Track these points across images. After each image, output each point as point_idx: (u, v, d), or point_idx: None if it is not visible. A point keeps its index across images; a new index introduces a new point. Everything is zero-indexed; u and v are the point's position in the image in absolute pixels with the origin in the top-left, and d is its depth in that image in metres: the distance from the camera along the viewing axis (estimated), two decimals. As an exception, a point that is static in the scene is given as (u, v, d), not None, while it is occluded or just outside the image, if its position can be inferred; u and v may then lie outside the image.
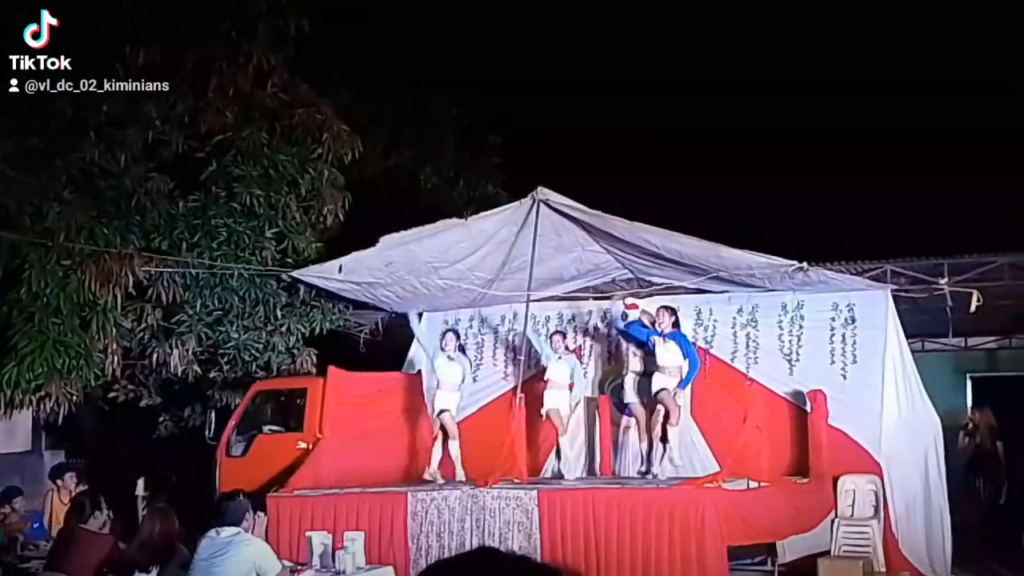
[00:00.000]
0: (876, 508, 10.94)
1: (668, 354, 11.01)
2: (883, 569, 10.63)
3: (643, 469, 11.46)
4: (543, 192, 11.32)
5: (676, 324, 11.17)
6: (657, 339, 11.07)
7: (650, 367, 11.30)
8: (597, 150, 19.71)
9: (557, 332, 12.20)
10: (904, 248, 12.47)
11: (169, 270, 12.28)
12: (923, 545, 11.19)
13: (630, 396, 11.60)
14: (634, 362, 11.62)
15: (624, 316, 11.65)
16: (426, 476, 11.63)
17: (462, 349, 12.29)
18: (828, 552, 10.68)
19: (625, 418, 12.27)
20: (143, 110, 11.93)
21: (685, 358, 11.04)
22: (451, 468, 11.82)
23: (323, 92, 13.66)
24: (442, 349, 12.02)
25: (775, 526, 10.19)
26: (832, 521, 10.90)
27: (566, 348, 12.01)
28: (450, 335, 12.16)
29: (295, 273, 12.63)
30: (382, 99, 17.03)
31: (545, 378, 11.79)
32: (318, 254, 13.00)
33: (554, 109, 19.64)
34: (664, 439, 11.10)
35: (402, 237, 11.77)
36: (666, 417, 10.97)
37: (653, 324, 11.29)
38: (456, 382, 11.88)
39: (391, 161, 17.08)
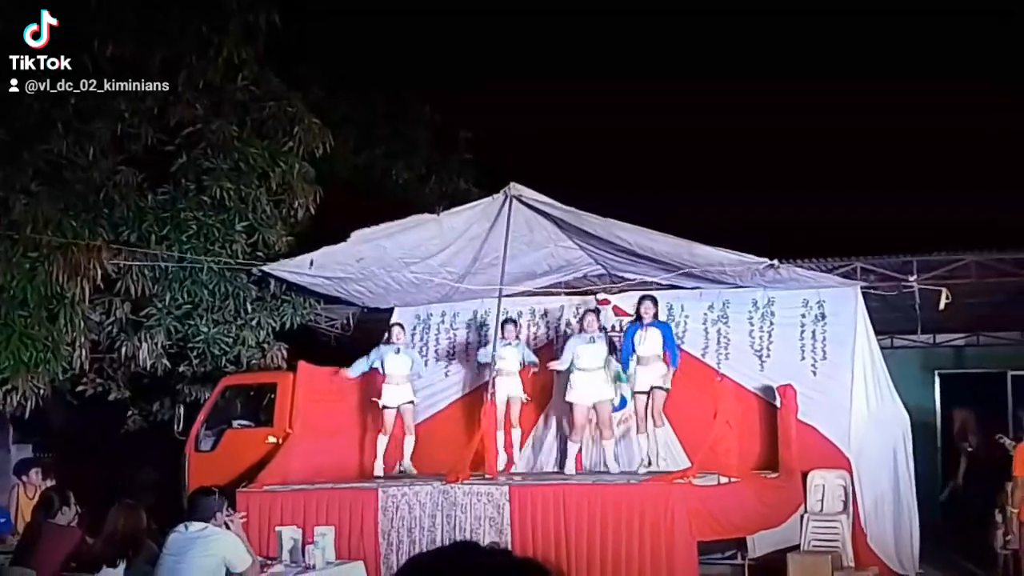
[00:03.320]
0: (845, 503, 11.01)
1: (649, 343, 11.03)
2: (852, 564, 10.69)
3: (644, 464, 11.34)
4: (515, 188, 11.31)
5: (657, 315, 11.25)
6: (639, 331, 11.10)
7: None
8: (569, 146, 19.74)
9: (508, 320, 12.05)
10: (873, 246, 12.56)
11: (138, 263, 12.18)
12: (892, 540, 11.29)
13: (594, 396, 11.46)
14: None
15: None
16: (400, 469, 11.62)
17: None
18: (797, 547, 10.74)
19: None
20: (112, 103, 11.83)
21: (666, 349, 11.10)
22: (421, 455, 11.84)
23: (294, 87, 13.59)
24: (390, 343, 11.99)
25: (745, 521, 10.24)
26: (801, 516, 10.96)
27: (516, 336, 11.96)
28: (397, 328, 12.15)
29: (265, 267, 12.56)
30: (354, 94, 16.97)
31: (496, 367, 11.63)
32: (289, 248, 12.93)
33: (527, 104, 19.63)
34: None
35: (373, 232, 11.73)
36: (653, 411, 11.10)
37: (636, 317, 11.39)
38: (404, 374, 11.86)
39: (362, 156, 17.02)
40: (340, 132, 14.51)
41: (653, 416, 11.17)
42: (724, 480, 10.20)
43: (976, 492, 12.62)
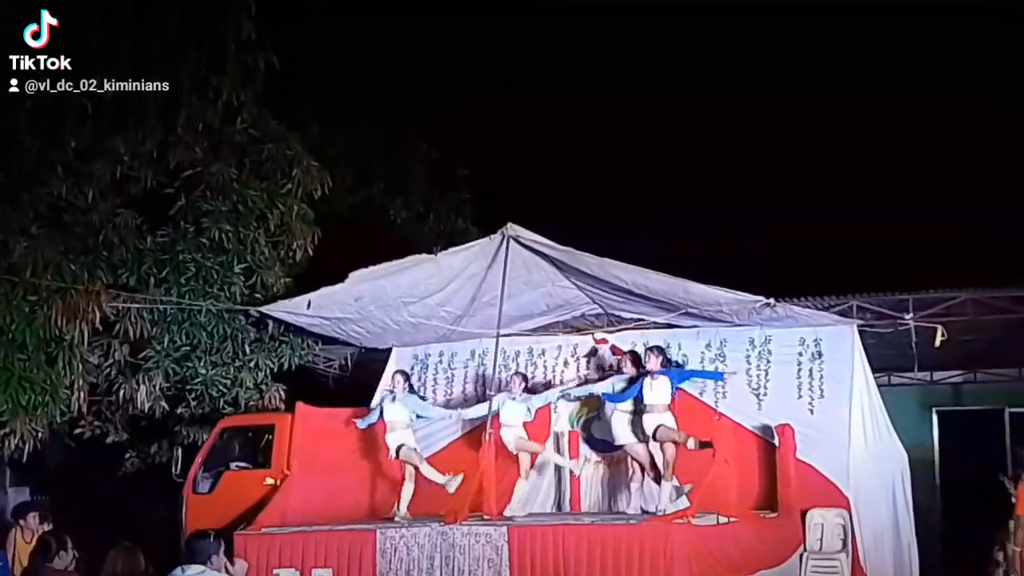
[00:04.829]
0: (844, 542, 10.97)
1: (655, 393, 11.04)
2: (852, 603, 10.67)
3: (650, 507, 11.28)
4: (513, 228, 11.35)
5: (666, 363, 11.27)
6: (647, 380, 11.12)
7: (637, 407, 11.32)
8: (566, 186, 19.81)
9: (517, 374, 12.17)
10: (869, 284, 12.60)
11: (136, 305, 12.21)
12: (891, 579, 11.25)
13: (624, 438, 11.48)
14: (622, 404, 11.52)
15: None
16: (395, 517, 11.55)
17: (412, 388, 12.26)
18: (797, 587, 10.71)
19: (598, 453, 12.32)
20: (111, 145, 11.91)
21: (677, 387, 11.19)
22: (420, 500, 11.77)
23: (292, 127, 13.69)
24: (390, 391, 12.00)
25: (744, 561, 10.19)
26: (801, 555, 10.92)
27: (524, 390, 11.96)
28: (398, 376, 12.14)
29: (263, 309, 12.59)
30: (352, 134, 17.07)
31: (500, 420, 11.66)
32: (287, 289, 12.97)
33: (525, 143, 19.73)
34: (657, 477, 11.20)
35: (371, 272, 11.76)
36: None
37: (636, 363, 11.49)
38: (404, 421, 11.80)
39: (360, 196, 17.09)
40: (338, 171, 14.59)
41: (664, 468, 11.14)
42: (723, 520, 10.19)
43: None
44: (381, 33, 17.75)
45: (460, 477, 11.25)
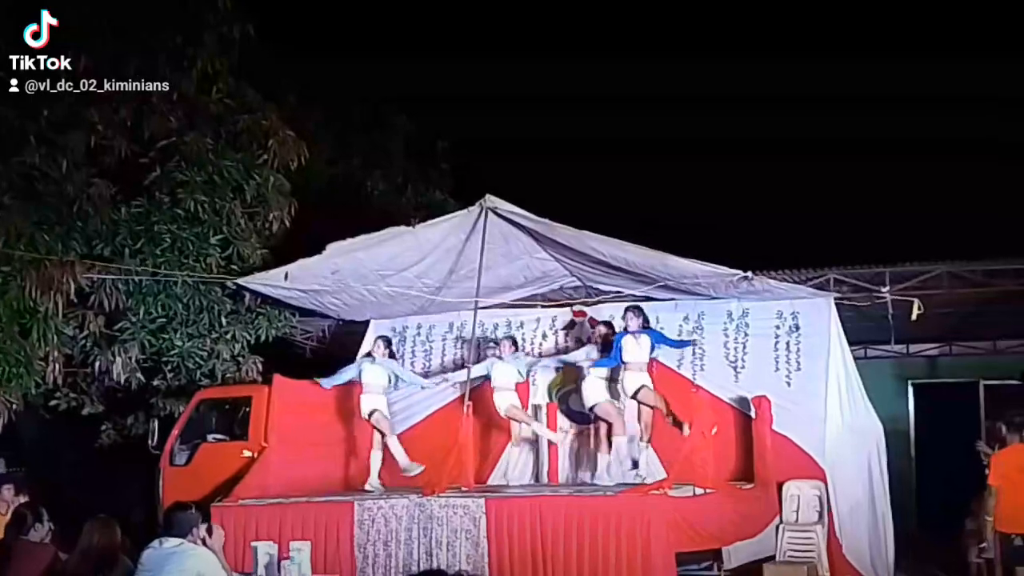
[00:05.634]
0: (820, 513, 11.05)
1: (637, 351, 11.19)
2: (827, 574, 10.73)
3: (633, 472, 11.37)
4: (491, 200, 11.32)
5: (645, 324, 11.42)
6: (628, 337, 11.24)
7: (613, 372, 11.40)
8: (545, 157, 19.82)
9: (506, 337, 12.25)
10: (847, 257, 12.63)
11: (112, 277, 12.13)
12: (866, 550, 11.33)
13: (596, 398, 11.53)
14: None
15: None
16: (367, 487, 11.56)
17: (392, 355, 12.30)
18: (773, 557, 10.77)
19: (576, 425, 12.36)
20: (86, 115, 11.79)
21: (657, 347, 11.42)
22: (395, 468, 11.79)
23: (269, 97, 13.58)
24: (370, 354, 12.06)
25: (721, 532, 10.25)
26: (777, 526, 11.00)
27: (514, 351, 12.08)
28: (380, 341, 12.16)
29: (240, 280, 12.52)
30: (329, 105, 16.96)
31: (492, 384, 11.87)
32: (263, 261, 12.90)
33: (503, 116, 19.69)
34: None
35: (349, 245, 11.71)
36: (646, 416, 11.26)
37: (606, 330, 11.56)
38: (381, 384, 11.84)
39: (338, 168, 17.01)
40: (316, 143, 14.49)
41: (643, 431, 11.23)
42: (700, 491, 10.21)
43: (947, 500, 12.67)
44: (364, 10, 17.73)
45: (422, 468, 11.37)
